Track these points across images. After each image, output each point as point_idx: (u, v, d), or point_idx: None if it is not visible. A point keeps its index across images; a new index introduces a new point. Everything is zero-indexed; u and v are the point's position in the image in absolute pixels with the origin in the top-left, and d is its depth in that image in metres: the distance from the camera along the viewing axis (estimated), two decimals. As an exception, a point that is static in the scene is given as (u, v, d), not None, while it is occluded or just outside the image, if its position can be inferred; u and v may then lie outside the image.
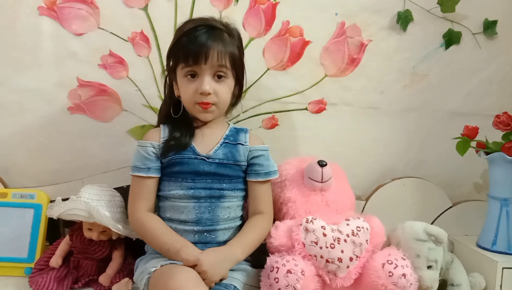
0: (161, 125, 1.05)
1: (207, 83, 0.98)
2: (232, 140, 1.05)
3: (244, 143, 1.05)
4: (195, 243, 0.97)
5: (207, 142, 1.03)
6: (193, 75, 1.00)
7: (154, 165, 1.01)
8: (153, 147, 1.01)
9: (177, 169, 1.00)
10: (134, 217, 1.00)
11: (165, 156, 1.00)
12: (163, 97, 1.12)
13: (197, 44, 0.98)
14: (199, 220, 0.99)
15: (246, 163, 1.05)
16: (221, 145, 1.03)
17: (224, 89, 1.01)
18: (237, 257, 0.96)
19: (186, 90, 1.01)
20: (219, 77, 1.00)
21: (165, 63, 1.09)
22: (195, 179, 1.00)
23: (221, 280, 0.92)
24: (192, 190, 0.99)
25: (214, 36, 0.99)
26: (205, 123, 1.05)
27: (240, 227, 1.05)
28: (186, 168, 1.00)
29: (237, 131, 1.07)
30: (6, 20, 1.18)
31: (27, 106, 1.21)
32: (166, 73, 1.09)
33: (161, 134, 1.03)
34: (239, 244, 0.98)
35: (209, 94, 0.99)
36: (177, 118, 1.03)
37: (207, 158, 1.01)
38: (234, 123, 1.13)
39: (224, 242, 1.01)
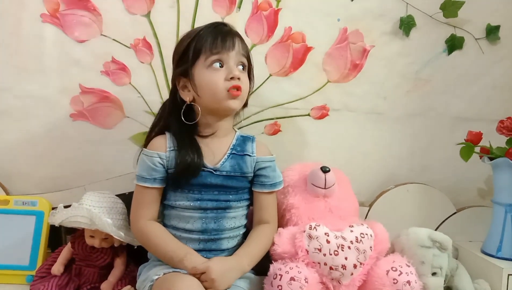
0: (166, 133, 1.02)
1: (236, 68, 0.98)
2: (239, 150, 1.03)
3: (251, 154, 1.04)
4: (199, 250, 0.96)
5: (214, 154, 1.01)
6: (219, 65, 0.98)
7: (160, 176, 0.98)
8: (160, 158, 0.98)
9: (184, 181, 0.98)
10: (137, 226, 0.99)
11: (178, 185, 0.98)
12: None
13: (223, 32, 0.99)
14: (205, 230, 0.98)
15: (252, 174, 1.04)
16: (228, 156, 1.02)
17: (246, 78, 1.01)
18: (244, 268, 0.96)
19: (214, 80, 0.97)
20: (242, 67, 1.00)
21: (168, 71, 1.08)
22: (202, 191, 0.98)
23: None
24: (199, 201, 0.98)
25: (232, 29, 1.02)
26: (212, 132, 1.02)
27: (243, 234, 1.04)
28: (193, 180, 0.98)
29: (244, 140, 1.06)
30: (10, 27, 1.18)
31: (30, 113, 1.21)
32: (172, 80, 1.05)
33: (167, 143, 1.00)
34: (246, 255, 0.98)
35: (239, 78, 0.98)
36: (181, 127, 1.00)
37: (215, 170, 0.99)
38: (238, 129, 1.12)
39: (228, 250, 1.00)
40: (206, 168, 0.99)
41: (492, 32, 1.33)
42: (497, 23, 1.33)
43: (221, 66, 0.98)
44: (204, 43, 0.98)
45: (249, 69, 1.04)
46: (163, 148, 0.99)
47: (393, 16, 1.30)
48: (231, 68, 0.98)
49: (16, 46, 1.19)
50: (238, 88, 0.97)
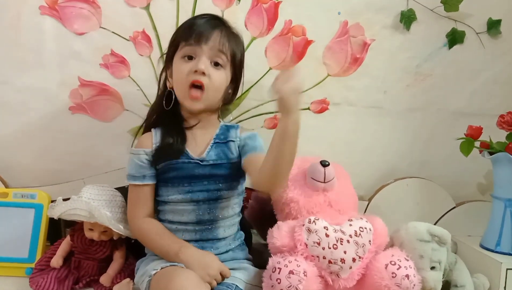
0: (152, 130, 1.03)
1: (203, 62, 0.97)
2: (223, 138, 1.04)
3: (234, 139, 1.04)
4: (196, 240, 0.98)
5: (199, 144, 1.02)
6: (191, 57, 0.98)
7: (149, 173, 1.00)
8: (146, 154, 1.00)
9: (173, 175, 1.00)
10: (134, 224, 1.01)
11: (157, 164, 0.99)
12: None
13: (201, 24, 0.98)
14: (200, 221, 1.00)
15: (239, 158, 1.03)
16: (212, 146, 1.02)
17: (219, 76, 0.99)
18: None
19: (180, 70, 0.98)
20: (216, 64, 0.99)
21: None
22: (192, 182, 0.99)
23: (223, 278, 0.93)
24: (190, 194, 0.99)
25: (219, 23, 1.01)
26: (196, 123, 1.03)
27: (239, 223, 1.06)
28: (182, 173, 0.99)
29: (228, 129, 1.06)
30: (9, 19, 1.18)
31: (29, 106, 1.21)
32: (163, 68, 1.07)
33: (153, 139, 1.01)
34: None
35: (203, 74, 0.97)
36: (168, 120, 1.02)
37: (201, 161, 1.00)
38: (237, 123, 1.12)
39: (224, 239, 1.02)
40: (193, 159, 1.00)
41: (493, 26, 1.32)
42: (498, 17, 1.32)
43: (193, 58, 0.98)
44: (182, 33, 0.99)
45: (233, 64, 1.02)
46: (149, 144, 1.01)
47: (394, 9, 1.29)
48: (198, 61, 0.97)
49: (15, 38, 1.18)
50: (200, 85, 0.96)
